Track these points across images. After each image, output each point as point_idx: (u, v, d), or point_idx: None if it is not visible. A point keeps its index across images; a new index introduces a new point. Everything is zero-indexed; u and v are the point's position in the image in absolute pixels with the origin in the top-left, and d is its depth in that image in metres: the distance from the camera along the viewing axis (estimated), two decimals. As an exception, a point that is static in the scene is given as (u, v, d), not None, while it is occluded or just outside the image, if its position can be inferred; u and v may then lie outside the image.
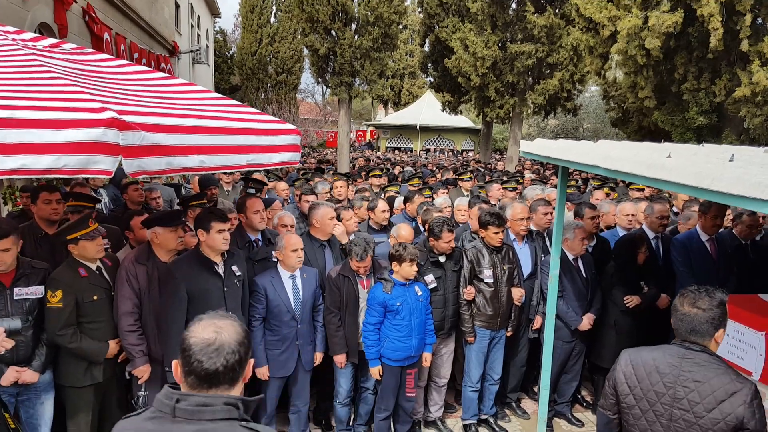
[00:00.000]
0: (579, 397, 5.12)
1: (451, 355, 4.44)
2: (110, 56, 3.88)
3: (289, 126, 3.63)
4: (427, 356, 4.10)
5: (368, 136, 35.43)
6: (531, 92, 17.39)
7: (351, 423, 4.33)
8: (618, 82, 12.77)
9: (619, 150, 3.25)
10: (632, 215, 5.27)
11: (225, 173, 6.43)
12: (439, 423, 4.54)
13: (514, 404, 4.90)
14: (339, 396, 4.17)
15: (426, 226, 4.51)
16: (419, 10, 20.69)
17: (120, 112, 2.44)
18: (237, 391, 1.51)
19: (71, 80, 2.78)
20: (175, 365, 1.51)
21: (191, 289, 3.36)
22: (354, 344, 4.00)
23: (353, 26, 15.43)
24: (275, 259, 3.91)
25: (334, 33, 15.26)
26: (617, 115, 17.19)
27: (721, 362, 2.17)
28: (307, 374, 4.03)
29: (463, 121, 33.64)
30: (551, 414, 4.64)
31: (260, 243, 4.31)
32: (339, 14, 14.93)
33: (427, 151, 31.65)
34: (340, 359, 4.01)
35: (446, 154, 29.79)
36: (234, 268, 3.57)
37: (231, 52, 34.49)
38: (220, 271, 3.50)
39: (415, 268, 3.85)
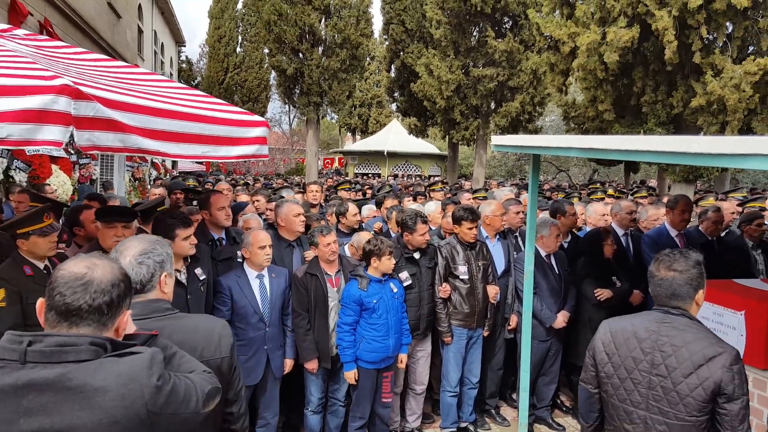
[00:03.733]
0: (559, 402, 5.00)
1: (428, 359, 4.27)
2: (66, 43, 3.70)
3: (256, 117, 3.48)
4: (402, 357, 3.92)
5: (336, 164, 35.42)
6: (494, 115, 17.78)
7: (323, 435, 4.08)
8: (577, 103, 13.18)
9: (596, 137, 3.25)
10: (605, 214, 5.28)
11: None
12: (416, 433, 4.32)
13: (493, 411, 4.73)
14: (310, 404, 3.93)
15: (398, 226, 4.40)
16: (385, 37, 21.04)
17: (74, 83, 2.28)
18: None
19: (22, 53, 2.61)
20: (40, 303, 1.35)
21: None
22: (325, 348, 3.79)
23: (321, 48, 15.56)
24: (240, 259, 3.71)
25: (301, 54, 15.33)
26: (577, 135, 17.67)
27: (701, 326, 2.08)
28: (276, 382, 3.78)
29: (429, 147, 34.06)
30: (531, 419, 4.50)
31: (224, 242, 4.08)
32: (306, 36, 15.04)
33: (395, 176, 31.81)
34: (311, 365, 3.79)
35: (414, 179, 29.95)
36: (197, 271, 3.33)
37: (196, 81, 34.37)
38: (183, 278, 3.25)
39: (393, 261, 3.73)
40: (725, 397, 1.94)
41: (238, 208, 4.55)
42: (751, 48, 9.78)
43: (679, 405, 2.01)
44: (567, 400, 5.08)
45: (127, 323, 1.42)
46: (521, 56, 16.59)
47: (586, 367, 2.31)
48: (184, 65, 33.36)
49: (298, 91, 15.85)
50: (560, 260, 4.53)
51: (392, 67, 21.03)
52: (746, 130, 9.56)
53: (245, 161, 26.88)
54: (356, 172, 32.86)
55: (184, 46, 27.63)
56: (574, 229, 5.27)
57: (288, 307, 3.80)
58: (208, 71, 32.58)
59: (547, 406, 4.64)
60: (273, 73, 16.04)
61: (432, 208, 5.78)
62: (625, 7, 9.04)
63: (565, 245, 4.95)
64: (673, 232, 4.78)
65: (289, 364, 3.80)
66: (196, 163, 24.00)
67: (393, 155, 32.53)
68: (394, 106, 25.18)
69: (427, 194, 9.13)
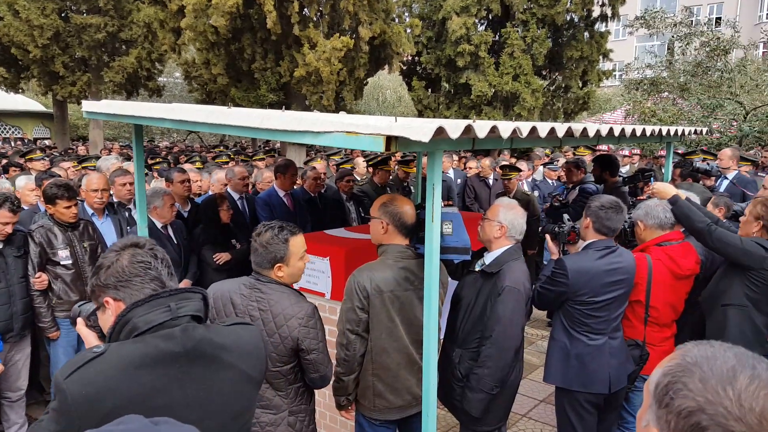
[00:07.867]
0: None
1: (27, 361, 3.68)
2: None
3: None
4: (-7, 369, 3.28)
5: None
6: (107, 69, 15.96)
7: None
8: (197, 62, 13.05)
9: (189, 108, 3.26)
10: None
11: None
12: (23, 448, 3.71)
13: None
14: None
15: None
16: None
17: None
18: None
19: None
20: None
21: None
22: None
23: None
24: None
25: None
26: (201, 96, 17.60)
27: (285, 288, 2.34)
28: None
29: (31, 103, 28.31)
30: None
31: None
32: None
33: (-19, 140, 25.32)
34: None
35: (13, 143, 24.47)
36: None
37: None
38: None
39: None
40: (304, 351, 2.25)
41: None
42: (341, 26, 11.45)
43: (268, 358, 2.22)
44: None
45: None
46: (132, 6, 15.21)
47: None
48: None
49: None
50: (178, 230, 4.50)
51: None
52: (339, 99, 11.29)
53: None
54: None
55: None
56: (193, 196, 5.30)
57: None
58: None
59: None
60: None
61: (22, 183, 4.89)
62: (225, -28, 9.22)
63: (185, 215, 4.95)
64: (281, 193, 5.35)
65: None
66: None
67: (-25, 113, 25.70)
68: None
69: (24, 165, 7.67)
